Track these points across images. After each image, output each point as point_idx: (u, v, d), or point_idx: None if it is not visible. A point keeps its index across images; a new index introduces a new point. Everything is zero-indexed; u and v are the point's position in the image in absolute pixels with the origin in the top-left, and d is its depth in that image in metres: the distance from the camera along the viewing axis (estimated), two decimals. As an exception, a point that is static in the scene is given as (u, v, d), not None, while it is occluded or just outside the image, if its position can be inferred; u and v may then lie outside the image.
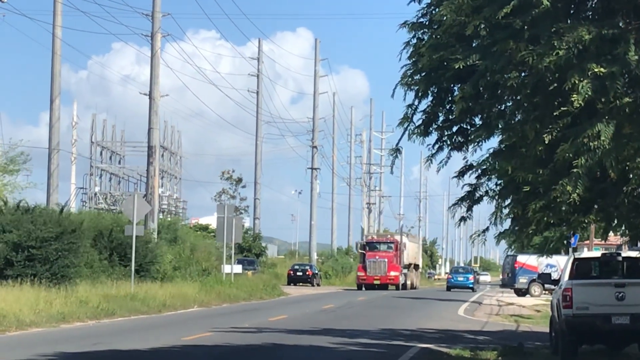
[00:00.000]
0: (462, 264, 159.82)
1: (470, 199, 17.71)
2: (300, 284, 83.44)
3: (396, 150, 17.13)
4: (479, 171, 17.10)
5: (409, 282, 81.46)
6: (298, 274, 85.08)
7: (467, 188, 17.62)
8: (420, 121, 16.14)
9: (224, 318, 36.84)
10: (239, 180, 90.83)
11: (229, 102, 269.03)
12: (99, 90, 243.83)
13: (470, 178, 17.62)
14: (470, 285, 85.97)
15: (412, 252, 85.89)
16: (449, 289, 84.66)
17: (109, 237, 44.08)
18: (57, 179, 46.44)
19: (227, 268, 54.69)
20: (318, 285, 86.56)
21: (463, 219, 18.39)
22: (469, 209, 17.88)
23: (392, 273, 75.14)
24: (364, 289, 74.42)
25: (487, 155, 16.22)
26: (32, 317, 28.99)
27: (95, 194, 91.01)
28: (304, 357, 22.71)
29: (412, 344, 25.69)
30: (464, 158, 16.48)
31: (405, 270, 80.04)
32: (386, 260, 75.01)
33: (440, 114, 16.32)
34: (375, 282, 73.85)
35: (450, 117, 16.22)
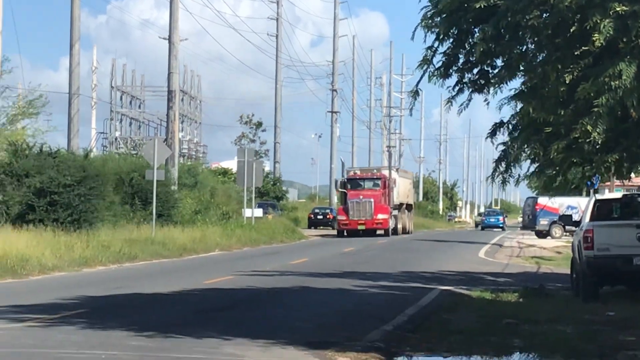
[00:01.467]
0: (482, 207, 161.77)
1: (507, 158, 17.43)
2: (321, 227, 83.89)
3: (415, 93, 17.06)
4: (510, 127, 17.00)
5: (400, 226, 69.21)
6: (318, 217, 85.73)
7: (501, 147, 17.56)
8: (440, 63, 15.80)
9: (245, 261, 37.04)
10: (259, 124, 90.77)
11: (248, 46, 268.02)
12: (118, 35, 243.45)
13: (502, 135, 17.44)
14: (501, 225, 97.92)
15: (403, 190, 72.93)
16: (482, 228, 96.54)
17: (129, 181, 44.38)
18: (77, 124, 46.60)
19: (247, 212, 54.97)
20: None
21: (504, 181, 17.99)
22: (508, 168, 17.50)
23: (380, 216, 62.10)
24: (345, 234, 63.95)
25: (507, 98, 16.20)
26: (54, 262, 29.33)
27: (116, 139, 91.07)
28: (327, 300, 22.69)
29: (433, 286, 25.83)
30: (485, 100, 16.37)
31: (395, 212, 67.59)
32: (372, 200, 61.71)
33: (460, 56, 16.08)
34: (360, 227, 61.71)
35: (471, 59, 15.99)
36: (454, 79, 16.11)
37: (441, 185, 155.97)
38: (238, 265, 33.13)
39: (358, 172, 69.67)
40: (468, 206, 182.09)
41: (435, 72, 15.52)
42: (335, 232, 69.14)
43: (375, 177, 66.36)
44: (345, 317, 18.80)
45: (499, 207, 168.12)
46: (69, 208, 35.29)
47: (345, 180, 67.64)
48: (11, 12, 40.87)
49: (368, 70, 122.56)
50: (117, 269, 32.11)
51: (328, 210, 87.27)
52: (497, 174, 17.96)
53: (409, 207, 75.68)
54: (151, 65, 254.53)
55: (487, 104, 16.15)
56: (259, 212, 58.90)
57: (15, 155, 39.68)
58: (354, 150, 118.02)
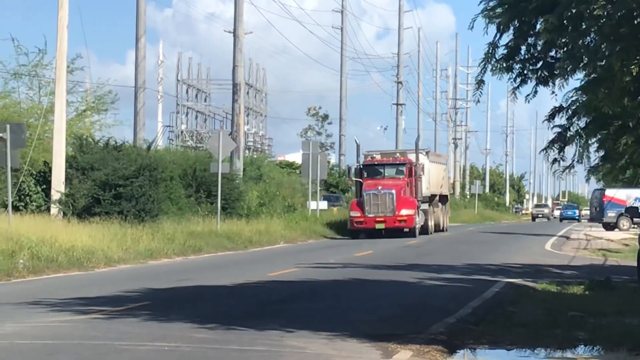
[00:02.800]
0: (549, 199, 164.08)
1: (562, 140, 17.41)
2: None
3: (480, 82, 16.99)
4: (569, 112, 16.70)
5: (431, 223, 53.69)
6: None
7: (557, 129, 17.39)
8: (502, 56, 15.51)
9: (309, 254, 37.32)
10: (325, 116, 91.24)
11: (313, 39, 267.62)
12: (184, 29, 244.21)
13: (561, 120, 17.34)
14: (577, 217, 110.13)
15: (435, 178, 56.79)
16: (561, 220, 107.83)
17: (193, 174, 44.84)
18: (143, 117, 47.17)
19: (312, 204, 55.09)
20: None
21: (555, 161, 18.04)
22: (561, 150, 17.55)
23: (405, 211, 47.69)
24: (363, 236, 49.15)
25: (573, 90, 16.11)
26: (120, 254, 29.79)
27: (182, 132, 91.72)
28: (390, 292, 22.70)
29: (498, 279, 25.67)
30: (552, 92, 16.28)
31: (424, 206, 52.10)
32: (394, 191, 47.55)
33: (522, 47, 15.91)
34: (378, 225, 47.75)
35: (533, 51, 15.79)
36: (517, 71, 16.11)
37: (507, 178, 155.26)
38: (302, 258, 33.26)
39: (377, 157, 52.09)
40: (535, 198, 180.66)
41: (497, 64, 15.45)
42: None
43: (398, 162, 51.06)
44: (408, 310, 18.84)
45: (566, 200, 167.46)
46: (132, 199, 35.71)
47: (361, 166, 51.33)
48: (78, 7, 41.30)
49: (433, 62, 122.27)
50: (182, 261, 32.47)
51: None
52: (551, 154, 18.03)
53: (443, 199, 60.17)
54: (217, 59, 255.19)
55: (555, 95, 16.08)
56: (324, 205, 58.90)
57: (80, 150, 40.22)
58: (419, 142, 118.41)
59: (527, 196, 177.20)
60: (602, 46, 14.72)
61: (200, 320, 16.04)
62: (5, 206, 32.71)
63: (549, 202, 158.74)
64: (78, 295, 20.01)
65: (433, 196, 54.73)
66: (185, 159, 48.04)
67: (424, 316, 17.37)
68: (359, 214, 47.36)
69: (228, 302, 20.41)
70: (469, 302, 19.67)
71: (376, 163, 50.85)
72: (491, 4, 15.10)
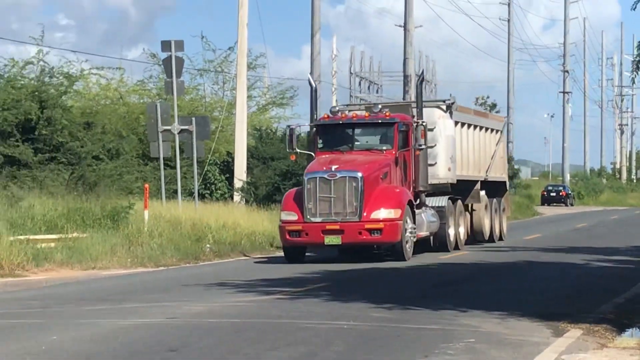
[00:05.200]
0: None
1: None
2: (554, 204, 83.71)
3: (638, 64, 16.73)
4: None
5: (455, 231, 28.25)
6: (551, 194, 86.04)
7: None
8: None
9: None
10: (493, 105, 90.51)
11: (481, 31, 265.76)
12: (356, 24, 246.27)
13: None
14: None
15: (471, 152, 30.82)
16: None
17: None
18: (319, 109, 48.09)
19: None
20: (571, 205, 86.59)
21: None
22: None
23: (379, 213, 23.81)
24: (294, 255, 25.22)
25: None
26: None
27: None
28: (558, 274, 22.66)
29: None
30: None
31: (438, 201, 27.63)
32: (359, 175, 23.78)
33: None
34: (330, 238, 23.84)
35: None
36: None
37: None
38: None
39: (347, 112, 27.66)
40: None
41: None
42: None
43: (379, 120, 25.98)
44: (576, 290, 18.76)
45: None
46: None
47: (315, 128, 27.69)
48: (257, 5, 42.29)
49: (599, 51, 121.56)
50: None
51: (561, 188, 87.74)
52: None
53: (492, 187, 32.90)
54: (387, 52, 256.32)
55: None
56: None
57: (260, 140, 41.17)
58: (585, 129, 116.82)
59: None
60: None
61: (377, 300, 16.25)
62: (193, 194, 33.81)
63: None
64: (261, 277, 20.64)
65: (467, 183, 30.28)
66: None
67: (593, 296, 17.19)
68: (295, 218, 24.17)
69: (402, 284, 20.78)
70: (637, 283, 19.44)
71: (340, 122, 26.73)
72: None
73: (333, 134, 26.72)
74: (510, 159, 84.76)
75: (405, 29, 50.63)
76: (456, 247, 28.13)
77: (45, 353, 11.48)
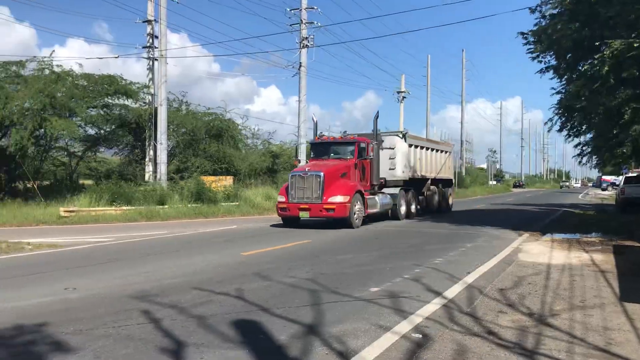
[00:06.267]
0: None
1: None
2: (518, 188, 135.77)
3: None
4: None
5: (413, 207, 41.71)
6: (516, 184, 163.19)
7: None
8: None
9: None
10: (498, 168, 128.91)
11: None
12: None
13: None
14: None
15: (422, 162, 44.29)
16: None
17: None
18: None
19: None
20: (524, 188, 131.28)
21: None
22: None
23: (335, 199, 33.69)
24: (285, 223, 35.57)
25: None
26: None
27: None
28: (518, 215, 45.33)
29: (561, 209, 51.10)
30: None
31: (392, 190, 39.44)
32: (322, 174, 33.87)
33: None
34: (302, 213, 33.90)
35: None
36: None
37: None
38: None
39: (327, 136, 39.20)
40: None
41: None
42: None
43: (345, 141, 37.13)
44: (524, 220, 38.59)
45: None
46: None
47: (311, 144, 39.79)
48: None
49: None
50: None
51: (521, 181, 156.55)
52: None
53: (444, 182, 49.06)
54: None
55: None
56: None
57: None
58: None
59: None
60: None
61: (457, 222, 35.28)
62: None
63: None
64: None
65: (422, 180, 43.60)
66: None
67: (531, 224, 34.56)
68: (283, 199, 34.49)
69: (462, 217, 41.08)
70: (550, 217, 40.89)
71: (323, 142, 37.55)
72: None
73: (319, 148, 36.84)
74: (500, 171, 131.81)
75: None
76: (409, 217, 40.30)
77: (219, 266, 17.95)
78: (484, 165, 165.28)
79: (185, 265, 17.78)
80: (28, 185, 47.35)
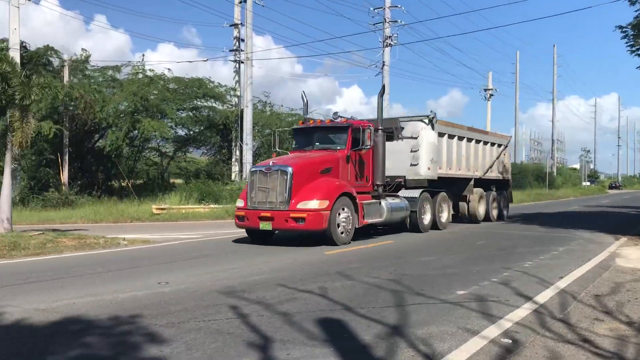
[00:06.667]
0: None
1: None
2: (615, 189, 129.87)
3: None
4: None
5: (445, 215, 32.58)
6: (613, 185, 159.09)
7: None
8: None
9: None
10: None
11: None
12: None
13: None
14: None
15: (452, 155, 33.63)
16: None
17: None
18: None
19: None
20: (621, 189, 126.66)
21: None
22: None
23: (305, 204, 23.39)
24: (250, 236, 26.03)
25: None
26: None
27: None
28: (614, 218, 43.07)
29: None
30: None
31: (410, 193, 30.32)
32: (289, 170, 23.88)
33: None
34: (263, 224, 23.88)
35: None
36: None
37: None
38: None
39: (314, 120, 29.82)
40: None
41: None
42: None
43: (335, 126, 27.64)
44: (620, 223, 36.87)
45: None
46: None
47: (293, 130, 30.33)
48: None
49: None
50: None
51: (618, 183, 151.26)
52: None
53: (495, 183, 39.31)
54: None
55: None
56: None
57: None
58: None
59: None
60: None
61: (548, 224, 34.48)
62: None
63: None
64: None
65: (460, 179, 34.85)
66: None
67: (630, 226, 33.86)
68: (242, 205, 25.23)
69: (556, 219, 40.21)
70: None
71: (306, 128, 28.65)
72: None
73: (302, 136, 28.22)
74: (594, 171, 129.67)
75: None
76: (436, 228, 31.14)
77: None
78: (577, 166, 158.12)
79: (269, 263, 18.45)
80: (123, 184, 50.13)
